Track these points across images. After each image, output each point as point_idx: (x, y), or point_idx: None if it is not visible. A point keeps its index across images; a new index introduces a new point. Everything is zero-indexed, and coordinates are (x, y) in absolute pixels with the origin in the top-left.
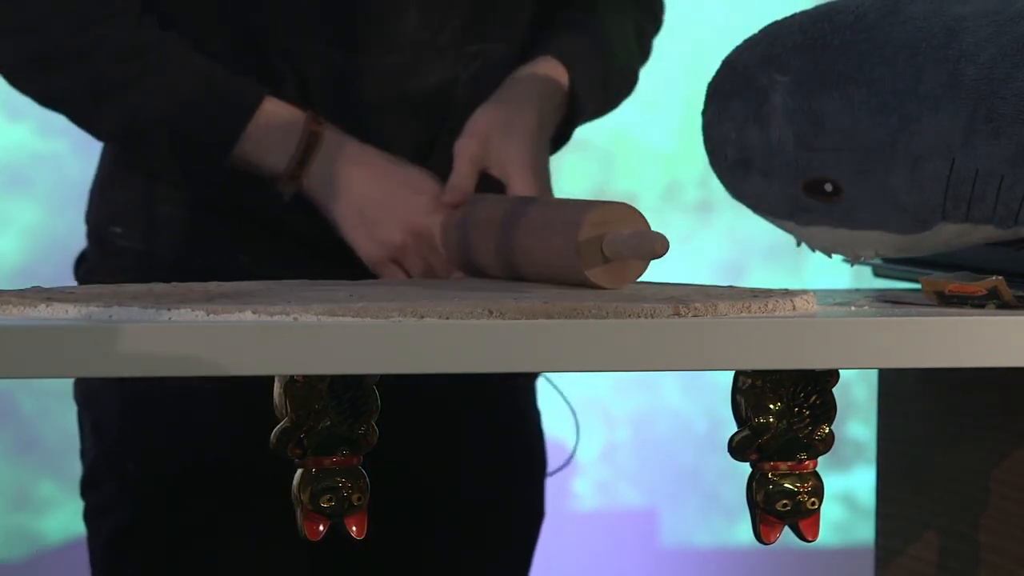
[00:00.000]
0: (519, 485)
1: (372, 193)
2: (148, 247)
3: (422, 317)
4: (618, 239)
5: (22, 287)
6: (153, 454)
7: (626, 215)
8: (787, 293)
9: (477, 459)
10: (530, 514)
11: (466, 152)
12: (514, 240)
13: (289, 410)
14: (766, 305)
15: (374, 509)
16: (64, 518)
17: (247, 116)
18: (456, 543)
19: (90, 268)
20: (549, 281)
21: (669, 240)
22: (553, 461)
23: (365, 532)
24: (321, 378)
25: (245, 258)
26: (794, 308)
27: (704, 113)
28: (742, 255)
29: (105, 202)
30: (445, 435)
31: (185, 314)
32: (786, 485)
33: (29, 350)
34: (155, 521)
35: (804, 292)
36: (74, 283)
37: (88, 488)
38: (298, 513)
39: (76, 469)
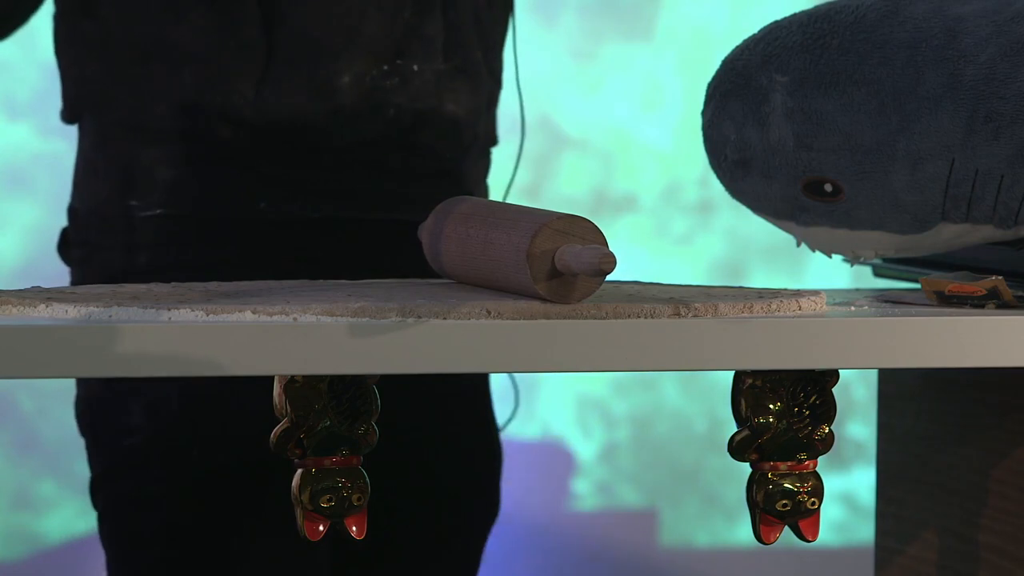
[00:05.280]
0: (479, 480)
1: None
2: (170, 210)
3: (420, 317)
4: (569, 253)
5: (22, 287)
6: (211, 441)
7: (585, 230)
8: (795, 294)
9: (440, 455)
10: (487, 506)
11: None
12: (475, 247)
13: (289, 410)
14: (769, 306)
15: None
16: (64, 518)
17: None
18: (417, 534)
19: (89, 251)
20: (502, 290)
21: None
22: (554, 461)
23: (365, 532)
24: (321, 378)
25: (264, 204)
26: (800, 309)
27: (704, 113)
28: (742, 255)
29: (100, 182)
30: (409, 432)
31: (185, 314)
32: (786, 485)
33: (29, 350)
34: (202, 510)
35: (814, 293)
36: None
37: (118, 474)
38: (298, 513)
39: (76, 469)
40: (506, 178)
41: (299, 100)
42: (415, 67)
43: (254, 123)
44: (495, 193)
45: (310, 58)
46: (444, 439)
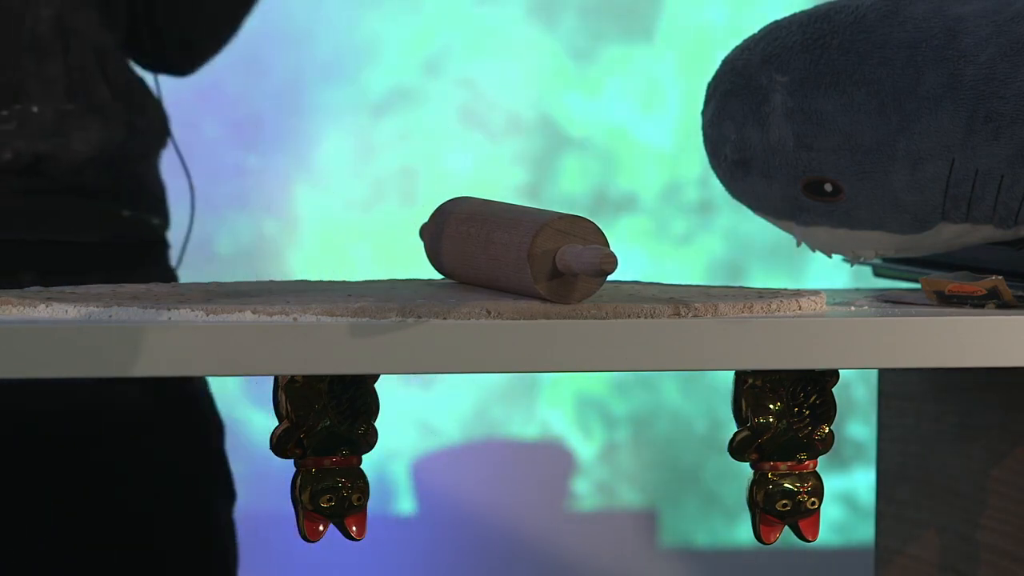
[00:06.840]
0: (200, 453)
1: None
2: None
3: (420, 317)
4: (570, 253)
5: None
6: None
7: (586, 230)
8: (795, 293)
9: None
10: (211, 477)
11: None
12: (475, 246)
13: (289, 410)
14: (769, 305)
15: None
16: None
17: None
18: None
19: None
20: (503, 290)
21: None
22: (554, 461)
23: (365, 532)
24: (321, 378)
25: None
26: (800, 308)
27: (704, 113)
28: (742, 255)
29: None
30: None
31: (185, 314)
32: (786, 485)
33: (29, 350)
34: None
35: (813, 292)
36: None
37: None
38: (298, 513)
39: None
40: (506, 178)
41: None
42: (34, 109)
43: None
44: (488, 192)
45: None
46: (165, 433)
